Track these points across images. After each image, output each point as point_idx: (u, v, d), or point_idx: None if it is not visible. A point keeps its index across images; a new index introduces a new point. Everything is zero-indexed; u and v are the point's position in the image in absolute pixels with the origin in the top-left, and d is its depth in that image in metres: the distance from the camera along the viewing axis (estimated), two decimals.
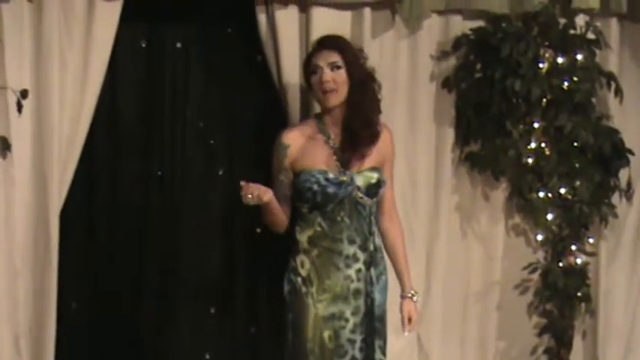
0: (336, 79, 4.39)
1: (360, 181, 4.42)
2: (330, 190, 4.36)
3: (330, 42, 4.47)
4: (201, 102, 5.12)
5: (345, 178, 4.39)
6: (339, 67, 4.40)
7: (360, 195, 4.42)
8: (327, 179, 4.37)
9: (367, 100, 4.43)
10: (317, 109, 4.69)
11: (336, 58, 4.41)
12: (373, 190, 4.44)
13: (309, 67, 4.45)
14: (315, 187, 4.37)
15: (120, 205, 5.05)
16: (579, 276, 5.23)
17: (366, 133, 4.42)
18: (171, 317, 5.08)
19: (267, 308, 5.13)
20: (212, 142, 5.14)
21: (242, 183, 4.23)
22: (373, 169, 4.46)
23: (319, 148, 4.43)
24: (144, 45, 5.07)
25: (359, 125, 4.40)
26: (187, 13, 5.01)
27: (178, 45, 5.09)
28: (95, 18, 4.79)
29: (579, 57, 5.11)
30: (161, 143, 5.08)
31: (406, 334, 4.57)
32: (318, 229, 4.39)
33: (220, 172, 5.14)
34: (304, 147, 4.43)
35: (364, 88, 4.42)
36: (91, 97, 4.83)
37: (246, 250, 5.14)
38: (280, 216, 4.43)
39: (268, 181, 4.40)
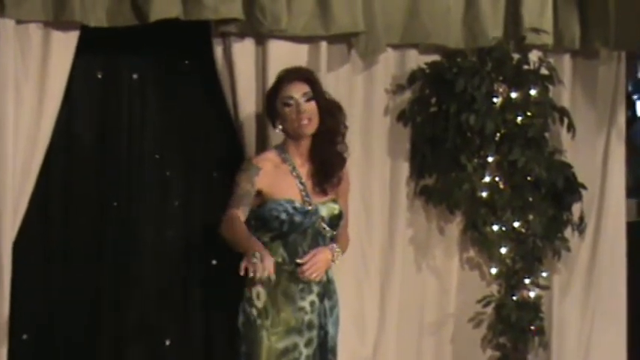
0: (310, 109, 4.43)
1: (324, 211, 4.44)
2: (297, 218, 4.37)
3: (300, 74, 4.50)
4: (158, 133, 5.11)
5: (310, 208, 4.41)
6: (310, 99, 4.44)
7: (324, 225, 4.43)
8: (294, 208, 4.38)
9: (337, 128, 4.48)
10: (274, 140, 4.71)
11: (307, 89, 4.45)
12: (335, 220, 4.46)
13: (277, 100, 4.46)
14: (283, 215, 4.37)
15: (75, 236, 5.02)
16: (533, 309, 5.26)
17: (337, 161, 4.48)
18: (126, 349, 5.04)
19: (222, 340, 5.11)
20: (168, 173, 5.13)
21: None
22: (334, 200, 4.49)
23: (285, 177, 4.44)
24: (100, 76, 5.06)
25: (330, 153, 4.45)
26: (144, 45, 5.01)
27: (135, 76, 5.09)
28: (51, 49, 4.77)
29: (533, 92, 5.17)
30: (117, 174, 5.06)
31: (298, 260, 4.39)
32: (279, 260, 4.37)
33: (176, 204, 5.14)
34: (272, 175, 4.44)
35: (334, 117, 4.47)
36: (46, 128, 4.79)
37: (202, 282, 5.13)
38: None
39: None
